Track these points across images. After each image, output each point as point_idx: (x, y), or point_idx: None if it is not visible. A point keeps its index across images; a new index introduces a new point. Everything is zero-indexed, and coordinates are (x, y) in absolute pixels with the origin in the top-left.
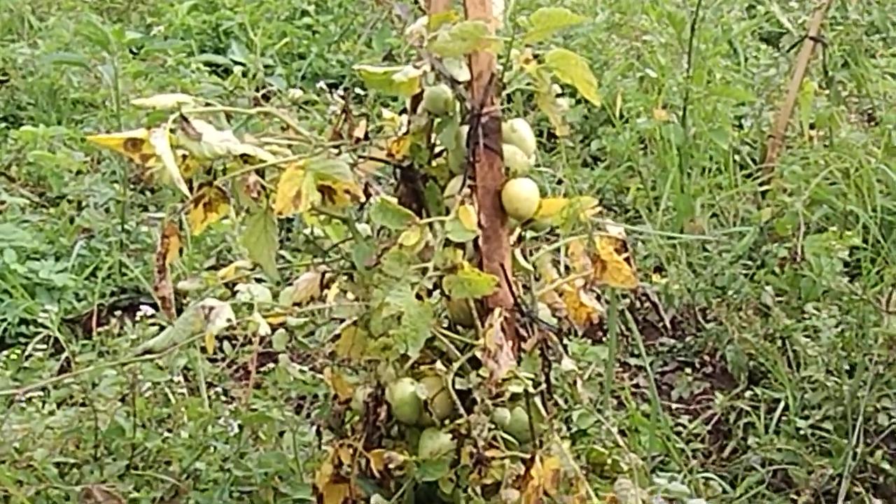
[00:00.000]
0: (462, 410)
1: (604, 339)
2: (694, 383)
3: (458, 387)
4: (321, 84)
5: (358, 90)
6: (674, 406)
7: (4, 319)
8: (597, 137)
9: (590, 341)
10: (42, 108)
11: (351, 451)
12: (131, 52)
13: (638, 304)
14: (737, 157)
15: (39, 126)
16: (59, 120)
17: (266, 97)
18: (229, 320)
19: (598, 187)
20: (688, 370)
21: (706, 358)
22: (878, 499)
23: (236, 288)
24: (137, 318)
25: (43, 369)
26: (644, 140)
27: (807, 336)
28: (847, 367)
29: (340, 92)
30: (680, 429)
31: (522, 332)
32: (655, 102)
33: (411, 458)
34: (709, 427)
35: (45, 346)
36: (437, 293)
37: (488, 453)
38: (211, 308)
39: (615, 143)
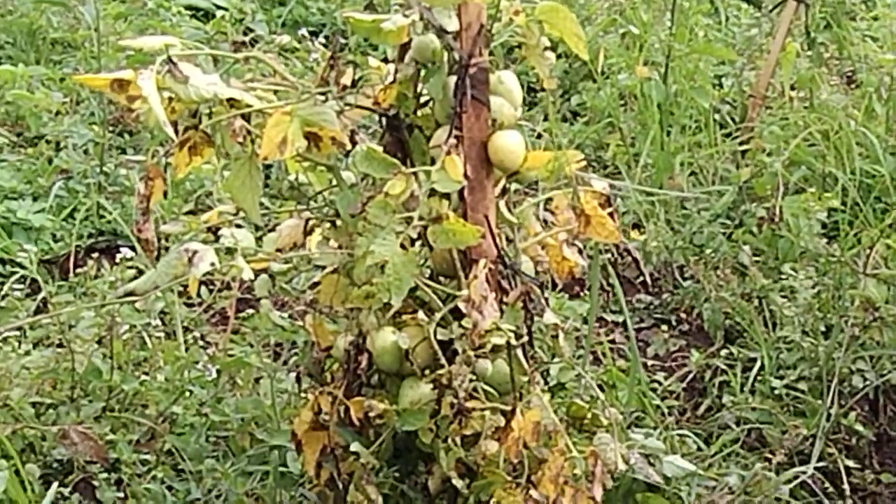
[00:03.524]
0: (443, 361)
1: (581, 294)
2: (670, 340)
3: (439, 337)
4: (303, 31)
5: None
6: (649, 363)
7: None
8: (577, 93)
9: (567, 296)
10: (21, 47)
11: (331, 398)
12: None
13: (617, 260)
14: (717, 116)
15: (18, 66)
16: (37, 60)
17: (252, 43)
18: (213, 264)
19: (578, 143)
20: (664, 327)
21: (682, 315)
22: (850, 460)
23: (219, 232)
24: (116, 261)
25: (19, 309)
26: (624, 96)
27: (783, 296)
28: (823, 329)
29: (321, 39)
30: (655, 385)
31: (505, 284)
32: (637, 59)
33: (391, 407)
34: (684, 384)
35: (21, 286)
36: (419, 243)
37: (469, 404)
38: (194, 251)
39: (595, 98)
